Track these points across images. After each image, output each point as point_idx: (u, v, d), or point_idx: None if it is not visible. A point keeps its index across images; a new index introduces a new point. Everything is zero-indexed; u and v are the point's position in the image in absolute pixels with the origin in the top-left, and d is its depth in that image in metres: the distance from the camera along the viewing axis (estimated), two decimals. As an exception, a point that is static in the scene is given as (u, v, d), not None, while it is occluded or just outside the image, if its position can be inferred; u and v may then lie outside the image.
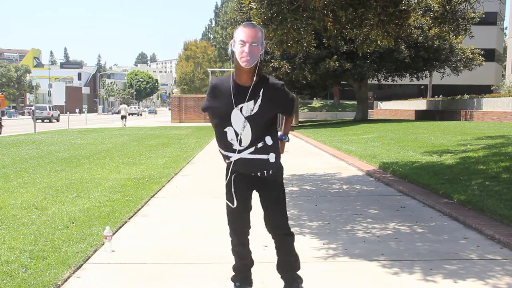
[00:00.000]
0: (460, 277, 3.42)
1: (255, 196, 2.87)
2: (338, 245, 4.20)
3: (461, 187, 6.18)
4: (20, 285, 3.22)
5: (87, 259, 3.83)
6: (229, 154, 2.73)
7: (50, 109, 43.93)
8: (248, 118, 2.65)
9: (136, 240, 4.43)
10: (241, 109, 2.65)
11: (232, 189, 2.77)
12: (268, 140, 2.70)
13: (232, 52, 2.60)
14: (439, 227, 4.79)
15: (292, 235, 2.84)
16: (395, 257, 3.87)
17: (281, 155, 2.88)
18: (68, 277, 3.45)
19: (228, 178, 2.81)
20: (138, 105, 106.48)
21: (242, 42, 2.57)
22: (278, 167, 2.79)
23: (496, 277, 3.41)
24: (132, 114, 67.19)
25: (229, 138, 2.70)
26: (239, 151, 2.68)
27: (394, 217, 5.20)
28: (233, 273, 3.02)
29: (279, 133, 2.87)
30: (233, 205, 2.78)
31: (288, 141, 2.96)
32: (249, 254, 2.97)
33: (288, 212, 2.89)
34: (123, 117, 30.65)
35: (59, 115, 38.67)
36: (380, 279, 3.42)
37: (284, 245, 2.84)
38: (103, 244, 4.10)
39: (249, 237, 2.92)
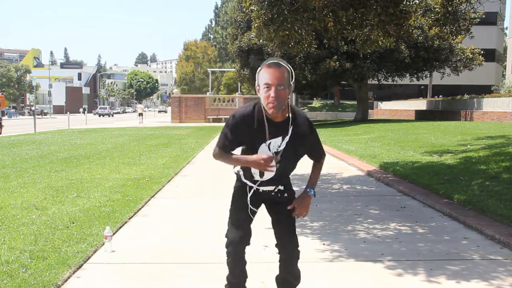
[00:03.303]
0: (463, 277, 3.41)
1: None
2: (339, 246, 4.20)
3: (461, 187, 6.18)
4: (20, 285, 3.22)
5: (87, 259, 3.83)
6: (249, 183, 2.64)
7: (108, 108, 66.08)
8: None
9: (136, 240, 4.43)
10: (269, 145, 2.49)
11: (248, 201, 2.66)
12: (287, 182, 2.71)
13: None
14: (439, 227, 4.79)
15: (299, 251, 2.72)
16: (396, 257, 3.87)
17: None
18: (68, 277, 3.44)
19: (242, 192, 2.69)
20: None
21: (267, 85, 2.34)
22: (291, 192, 2.73)
23: (500, 278, 3.40)
24: (160, 111, 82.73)
25: (252, 171, 2.58)
26: (260, 184, 2.60)
27: (395, 217, 5.20)
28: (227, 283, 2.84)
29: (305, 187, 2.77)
30: (251, 216, 2.68)
31: (315, 196, 2.75)
32: (244, 272, 2.76)
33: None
34: (140, 114, 36.97)
35: (113, 112, 48.95)
36: (381, 279, 3.42)
37: (291, 262, 2.68)
38: (103, 244, 4.10)
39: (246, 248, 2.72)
